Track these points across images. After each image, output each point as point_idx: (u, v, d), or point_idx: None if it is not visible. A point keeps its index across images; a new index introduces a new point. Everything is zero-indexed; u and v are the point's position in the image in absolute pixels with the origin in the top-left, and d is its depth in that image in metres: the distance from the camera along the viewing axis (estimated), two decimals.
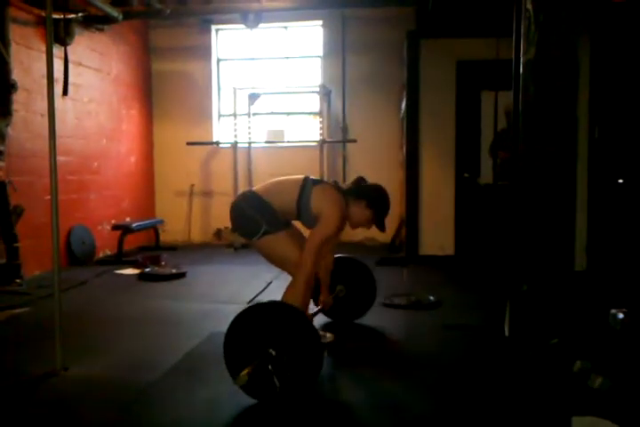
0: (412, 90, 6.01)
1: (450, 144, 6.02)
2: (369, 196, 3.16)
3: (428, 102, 6.01)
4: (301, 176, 3.17)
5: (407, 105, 6.09)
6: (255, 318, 2.65)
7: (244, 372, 2.46)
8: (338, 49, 7.53)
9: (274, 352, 2.53)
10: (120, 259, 6.36)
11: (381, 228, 3.19)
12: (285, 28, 7.80)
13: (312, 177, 3.19)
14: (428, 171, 6.10)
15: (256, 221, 3.06)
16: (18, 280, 5.16)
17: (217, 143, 7.77)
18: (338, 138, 7.50)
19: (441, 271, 5.73)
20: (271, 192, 3.14)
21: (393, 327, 3.85)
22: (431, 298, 4.44)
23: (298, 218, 3.17)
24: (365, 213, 3.15)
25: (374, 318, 4.00)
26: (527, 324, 3.12)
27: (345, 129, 7.57)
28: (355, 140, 7.30)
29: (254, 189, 3.24)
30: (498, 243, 5.55)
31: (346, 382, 2.94)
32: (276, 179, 3.24)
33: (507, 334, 3.39)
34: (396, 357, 3.34)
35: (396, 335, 3.70)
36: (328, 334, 3.49)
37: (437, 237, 6.08)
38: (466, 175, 5.98)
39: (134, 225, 6.72)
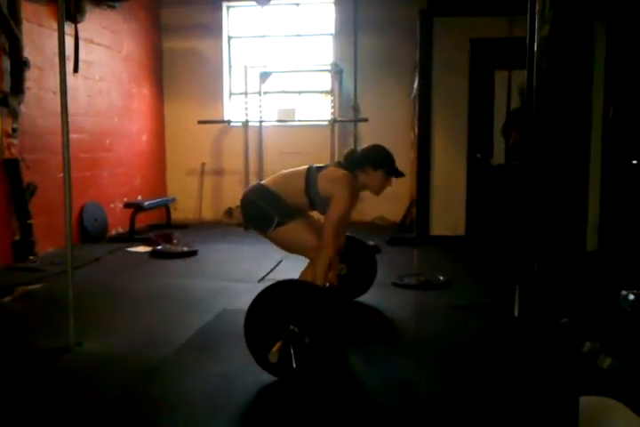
0: (425, 69, 5.95)
1: (462, 124, 5.97)
2: (371, 159, 3.18)
3: (440, 81, 5.95)
4: (304, 167, 3.18)
5: (419, 84, 6.03)
6: (278, 295, 2.67)
7: (275, 348, 2.48)
8: (350, 27, 7.45)
9: (297, 329, 2.56)
10: (132, 236, 6.41)
11: (399, 175, 3.23)
12: (297, 5, 7.71)
13: (315, 165, 3.19)
14: (439, 151, 6.06)
15: (268, 212, 3.07)
16: (31, 257, 5.23)
17: (228, 122, 7.76)
18: (349, 117, 7.46)
19: (451, 252, 5.73)
20: (279, 185, 3.15)
21: (402, 307, 3.87)
22: (441, 278, 4.46)
23: (313, 208, 3.18)
24: (378, 176, 3.18)
25: (384, 297, 4.04)
26: (537, 304, 3.12)
27: (356, 108, 7.52)
28: (366, 120, 7.25)
29: (263, 182, 3.26)
30: (509, 223, 5.53)
31: (355, 359, 2.97)
32: (282, 172, 3.25)
33: (516, 314, 3.40)
34: (404, 336, 3.37)
35: (405, 315, 3.72)
36: None
37: (448, 217, 6.07)
38: (478, 155, 5.95)
39: (146, 203, 6.76)
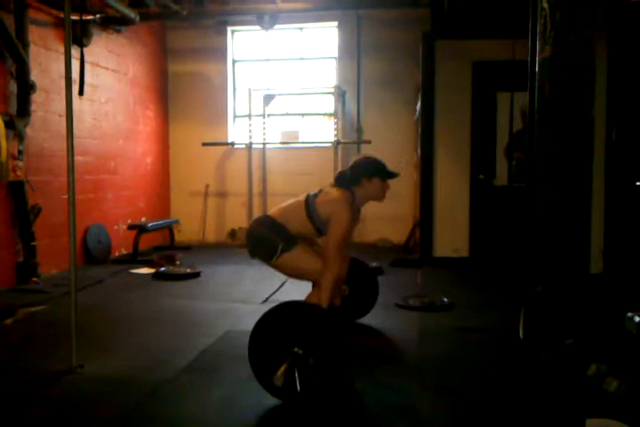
0: (428, 91, 6.00)
1: (465, 145, 6.00)
2: (363, 171, 3.19)
3: (443, 104, 5.99)
4: (302, 196, 3.20)
5: (422, 106, 6.07)
6: (282, 317, 2.65)
7: (280, 371, 2.46)
8: (353, 50, 7.54)
9: (301, 351, 2.53)
10: (135, 258, 6.41)
11: (394, 176, 3.23)
12: (301, 29, 7.81)
13: (312, 192, 3.21)
14: (442, 172, 6.07)
15: (272, 241, 3.07)
16: (35, 279, 5.23)
17: (232, 144, 7.81)
18: (352, 139, 7.51)
19: (455, 273, 5.71)
20: (284, 216, 3.16)
21: (406, 329, 3.84)
22: (445, 300, 4.43)
23: (320, 234, 3.17)
24: (375, 184, 3.19)
25: (388, 319, 4.02)
26: (542, 325, 3.10)
27: (359, 130, 7.57)
28: (369, 142, 7.29)
29: (268, 213, 3.28)
30: (512, 245, 5.51)
31: (359, 381, 2.93)
32: (283, 205, 3.26)
33: (521, 336, 3.37)
34: (408, 358, 3.33)
35: (409, 336, 3.68)
36: None
37: (452, 238, 6.06)
38: (481, 177, 5.96)
39: (150, 225, 6.77)
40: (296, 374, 2.51)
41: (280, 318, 2.64)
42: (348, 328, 3.00)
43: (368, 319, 3.93)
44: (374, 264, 5.68)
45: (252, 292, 4.85)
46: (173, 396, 2.75)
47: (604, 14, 3.26)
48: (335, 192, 3.14)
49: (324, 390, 2.58)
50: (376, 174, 3.20)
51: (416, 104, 6.75)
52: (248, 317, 4.02)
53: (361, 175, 3.19)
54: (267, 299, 4.61)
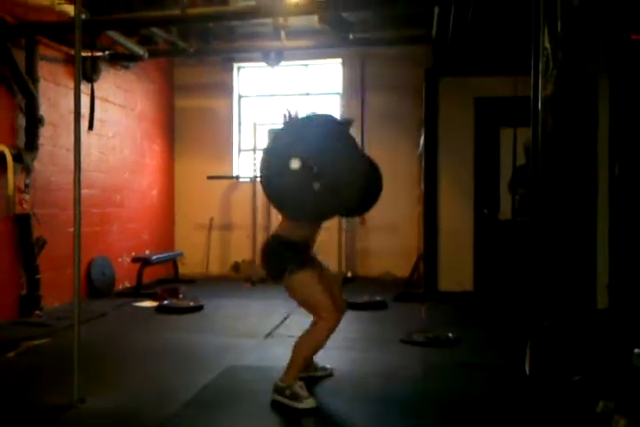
0: (431, 127, 6.07)
1: (469, 180, 6.04)
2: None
3: (446, 139, 6.06)
4: None
5: (425, 141, 6.14)
6: None
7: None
8: (357, 86, 7.66)
9: None
10: (139, 291, 6.40)
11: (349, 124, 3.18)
12: (306, 65, 7.96)
13: None
14: (446, 206, 6.10)
15: (281, 259, 3.05)
16: (38, 312, 5.21)
17: (237, 177, 7.87)
18: None
19: (460, 308, 5.66)
20: (284, 227, 3.12)
21: (411, 364, 3.79)
22: (450, 335, 4.37)
23: (321, 218, 3.09)
24: None
25: (392, 354, 3.97)
26: (548, 361, 3.07)
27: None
28: None
29: (272, 233, 3.26)
30: (517, 279, 5.48)
31: (359, 418, 2.88)
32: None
33: (527, 372, 3.33)
34: (412, 395, 3.26)
35: (413, 373, 3.64)
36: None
37: (456, 273, 6.04)
38: (485, 211, 5.98)
39: (153, 258, 6.77)
40: None
41: None
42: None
43: (372, 354, 3.89)
44: (378, 298, 5.66)
45: (256, 326, 4.82)
46: None
47: (605, 52, 3.33)
48: None
49: None
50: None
51: (419, 139, 6.82)
52: (250, 352, 4.00)
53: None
54: (270, 333, 4.57)
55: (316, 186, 2.78)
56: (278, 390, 3.02)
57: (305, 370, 3.22)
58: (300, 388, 2.99)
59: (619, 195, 5.41)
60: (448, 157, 6.07)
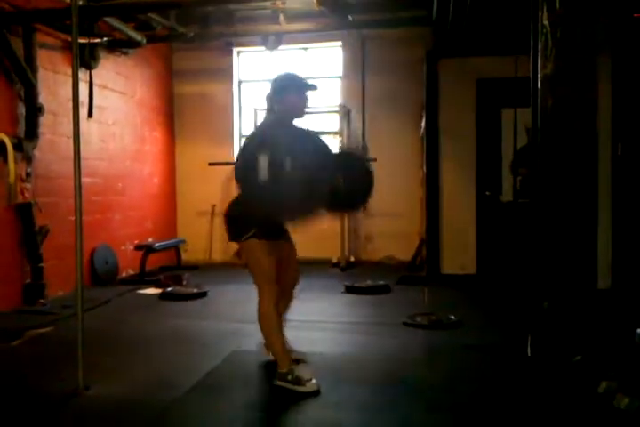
0: (432, 109, 6.04)
1: (471, 162, 6.01)
2: (273, 94, 3.16)
3: (447, 121, 6.02)
4: None
5: (427, 124, 6.11)
6: None
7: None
8: (357, 69, 7.59)
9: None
10: (142, 278, 6.42)
11: (309, 88, 3.17)
12: (305, 49, 7.89)
13: None
14: (448, 189, 6.08)
15: (243, 225, 3.10)
16: (42, 300, 5.23)
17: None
18: None
19: (463, 290, 5.66)
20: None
21: (414, 347, 3.81)
22: (452, 317, 4.39)
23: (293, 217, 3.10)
24: (290, 101, 3.12)
25: (395, 337, 3.98)
26: (550, 343, 3.07)
27: (365, 148, 7.59)
28: (374, 160, 7.30)
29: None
30: (520, 261, 5.47)
31: (365, 401, 2.90)
32: None
33: (529, 353, 3.34)
34: (416, 377, 3.28)
35: (417, 355, 3.65)
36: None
37: (459, 255, 6.04)
38: (487, 193, 5.95)
39: (156, 245, 6.79)
40: None
41: None
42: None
43: (375, 337, 3.90)
44: (381, 282, 5.67)
45: None
46: (181, 417, 2.73)
47: (606, 30, 3.29)
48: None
49: None
50: (287, 91, 3.12)
51: (421, 121, 6.78)
52: (254, 337, 4.00)
53: (274, 98, 3.14)
54: None
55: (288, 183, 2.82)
56: (280, 376, 3.03)
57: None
58: (300, 371, 3.01)
59: (621, 174, 5.39)
60: (450, 140, 6.04)
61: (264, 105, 3.24)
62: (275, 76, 3.25)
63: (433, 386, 3.10)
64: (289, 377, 2.99)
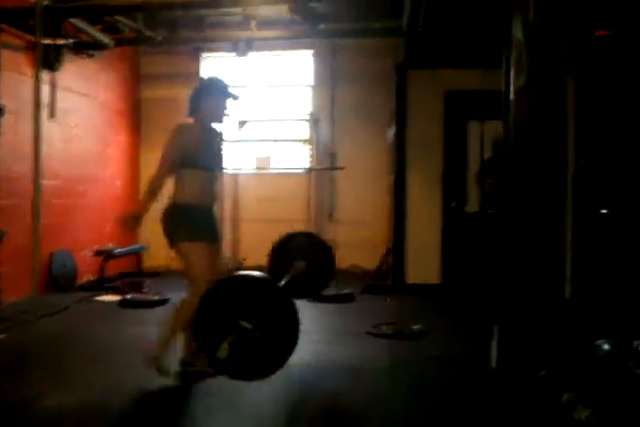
0: (400, 119, 6.07)
1: (437, 172, 6.04)
2: (197, 96, 3.35)
3: (415, 131, 6.05)
4: None
5: (395, 134, 6.13)
6: (230, 289, 2.62)
7: (225, 343, 2.41)
8: (327, 78, 7.60)
9: (249, 325, 2.47)
10: (102, 285, 6.28)
11: (230, 97, 3.40)
12: (277, 56, 7.87)
13: None
14: (414, 199, 6.10)
15: (175, 228, 3.36)
16: None
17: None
18: (326, 164, 7.52)
19: (428, 300, 5.67)
20: (175, 186, 3.50)
21: (377, 357, 3.78)
22: (415, 328, 4.37)
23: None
24: (210, 105, 3.34)
25: (358, 346, 3.96)
26: (513, 354, 3.08)
27: (333, 156, 7.59)
28: (342, 168, 7.32)
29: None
30: (485, 271, 5.51)
31: (325, 412, 2.86)
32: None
33: (493, 365, 3.34)
34: (378, 388, 3.25)
35: (380, 365, 3.62)
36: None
37: (424, 265, 6.05)
38: (453, 204, 6.00)
39: (116, 251, 6.65)
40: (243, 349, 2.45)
41: (227, 291, 2.59)
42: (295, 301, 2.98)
43: (338, 346, 3.88)
44: (346, 291, 5.64)
45: None
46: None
47: (570, 49, 3.35)
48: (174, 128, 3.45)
49: (271, 364, 2.49)
50: (205, 96, 3.33)
51: (389, 130, 6.81)
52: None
53: (197, 100, 3.35)
54: None
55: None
56: (152, 359, 3.22)
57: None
58: (166, 361, 3.21)
59: (582, 187, 5.47)
60: (417, 150, 6.07)
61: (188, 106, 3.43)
62: (203, 79, 3.42)
63: (396, 397, 3.07)
64: (157, 363, 3.20)
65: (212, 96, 3.34)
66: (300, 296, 3.84)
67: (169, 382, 3.15)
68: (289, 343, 2.50)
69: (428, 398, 3.06)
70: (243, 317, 2.49)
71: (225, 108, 3.41)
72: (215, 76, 3.52)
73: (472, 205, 5.94)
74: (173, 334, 3.26)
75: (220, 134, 3.57)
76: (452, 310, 5.32)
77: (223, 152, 3.58)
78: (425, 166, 6.06)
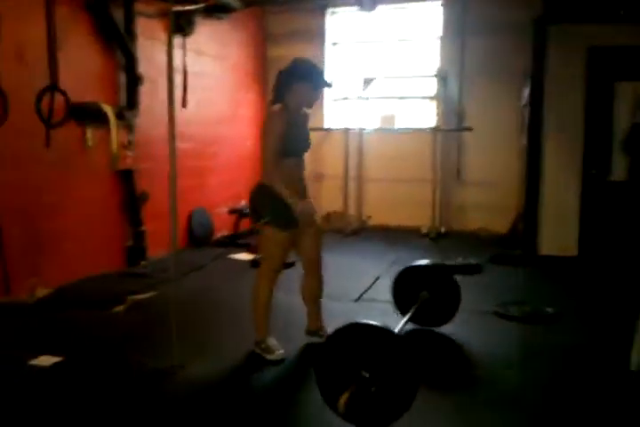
0: (537, 78, 5.63)
1: (577, 137, 5.58)
2: (285, 79, 3.18)
3: (553, 92, 5.58)
4: None
5: (530, 95, 5.72)
6: (350, 338, 2.50)
7: (343, 399, 2.32)
8: (458, 30, 7.21)
9: (368, 375, 2.37)
10: (234, 241, 6.67)
11: (324, 86, 3.28)
12: (403, 8, 7.55)
13: None
14: (550, 165, 5.70)
15: (263, 212, 3.25)
16: (143, 262, 5.50)
17: (328, 130, 7.78)
18: (453, 122, 7.25)
19: (562, 275, 5.24)
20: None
21: (504, 343, 3.54)
22: (549, 310, 4.05)
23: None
24: (300, 90, 3.16)
25: (484, 329, 3.79)
26: None
27: (461, 115, 7.29)
28: (470, 129, 7.04)
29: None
30: (630, 246, 5.11)
31: (440, 411, 2.71)
32: None
33: (633, 368, 3.02)
34: (504, 383, 2.99)
35: (506, 354, 3.36)
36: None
37: (559, 235, 5.68)
38: (593, 171, 5.57)
39: (247, 210, 6.91)
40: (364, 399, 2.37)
41: (348, 339, 2.49)
42: (419, 351, 2.78)
43: (463, 327, 3.70)
44: (472, 261, 5.45)
45: (346, 288, 4.72)
46: (274, 399, 2.79)
47: None
48: (266, 114, 3.28)
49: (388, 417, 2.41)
50: (300, 80, 3.14)
51: (522, 90, 6.39)
52: (339, 316, 3.91)
53: (285, 83, 3.17)
54: (360, 297, 4.56)
55: None
56: (256, 343, 3.32)
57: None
58: (270, 341, 3.31)
59: None
60: (554, 113, 5.62)
61: (276, 86, 3.26)
62: (297, 61, 3.27)
63: (524, 396, 2.82)
64: (262, 345, 3.30)
65: (306, 81, 3.15)
66: (424, 325, 3.74)
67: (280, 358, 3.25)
68: (407, 397, 2.41)
69: (560, 398, 2.81)
70: (363, 366, 2.39)
71: (318, 97, 3.29)
72: (310, 60, 3.31)
73: (617, 174, 5.48)
74: (259, 315, 3.36)
75: (307, 116, 3.40)
76: (589, 287, 4.83)
77: (308, 135, 3.40)
78: (563, 130, 5.63)
